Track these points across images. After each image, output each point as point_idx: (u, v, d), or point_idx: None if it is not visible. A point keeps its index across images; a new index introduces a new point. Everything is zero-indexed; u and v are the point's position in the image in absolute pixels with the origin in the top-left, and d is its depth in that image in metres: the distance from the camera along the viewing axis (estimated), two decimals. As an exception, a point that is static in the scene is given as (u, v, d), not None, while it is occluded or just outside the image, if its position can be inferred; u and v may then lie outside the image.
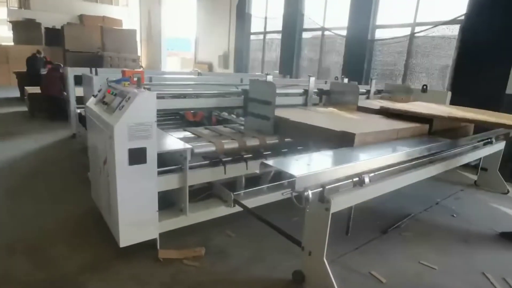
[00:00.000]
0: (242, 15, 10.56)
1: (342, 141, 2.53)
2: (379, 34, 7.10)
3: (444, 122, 3.36)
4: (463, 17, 5.60)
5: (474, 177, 4.69)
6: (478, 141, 3.79)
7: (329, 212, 2.02)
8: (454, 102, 4.86)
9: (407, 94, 5.03)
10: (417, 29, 6.37)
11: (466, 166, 4.67)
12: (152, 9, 15.98)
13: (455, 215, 3.62)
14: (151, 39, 16.27)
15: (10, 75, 11.59)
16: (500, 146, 4.20)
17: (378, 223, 3.28)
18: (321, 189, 1.99)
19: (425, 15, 6.28)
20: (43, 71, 8.76)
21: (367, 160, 2.21)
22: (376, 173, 2.35)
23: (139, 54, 15.14)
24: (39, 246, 2.64)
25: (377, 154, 2.35)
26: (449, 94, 5.04)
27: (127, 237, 2.42)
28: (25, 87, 8.00)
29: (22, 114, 7.72)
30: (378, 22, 7.04)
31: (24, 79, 9.30)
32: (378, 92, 5.35)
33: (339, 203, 2.08)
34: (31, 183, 3.90)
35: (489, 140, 3.93)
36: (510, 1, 4.95)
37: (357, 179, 2.18)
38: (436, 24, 6.04)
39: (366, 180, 2.20)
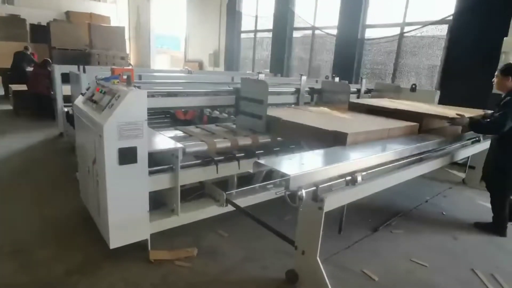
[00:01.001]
0: (232, 13, 10.50)
1: (334, 140, 2.53)
2: (369, 33, 7.17)
3: (433, 121, 3.41)
4: (451, 17, 5.69)
5: (462, 175, 4.77)
6: (467, 140, 3.86)
7: (323, 211, 2.01)
8: (442, 101, 4.94)
9: (397, 93, 5.08)
10: (406, 28, 6.45)
11: (454, 164, 4.75)
12: (141, 6, 15.75)
13: (444, 213, 3.68)
14: (140, 36, 16.05)
15: (-7, 72, 11.28)
16: (487, 144, 4.26)
17: (370, 221, 3.31)
18: (314, 188, 1.98)
19: (414, 15, 6.36)
20: (29, 68, 8.58)
21: (360, 159, 2.21)
22: (368, 172, 2.37)
23: (127, 51, 14.92)
24: (26, 248, 2.56)
25: (369, 153, 2.36)
26: (438, 93, 5.11)
27: (117, 238, 2.37)
28: (10, 85, 7.78)
29: (7, 112, 7.51)
30: (368, 22, 7.10)
31: (8, 77, 9.06)
32: (368, 91, 5.39)
33: (332, 202, 2.08)
34: (17, 183, 3.79)
35: (477, 138, 4.01)
36: (497, 1, 5.05)
37: (349, 178, 2.19)
38: (425, 24, 6.12)
39: (359, 179, 2.21)
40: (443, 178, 4.75)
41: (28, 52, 9.37)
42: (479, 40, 5.16)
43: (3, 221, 2.96)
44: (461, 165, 4.86)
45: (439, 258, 2.78)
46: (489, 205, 3.93)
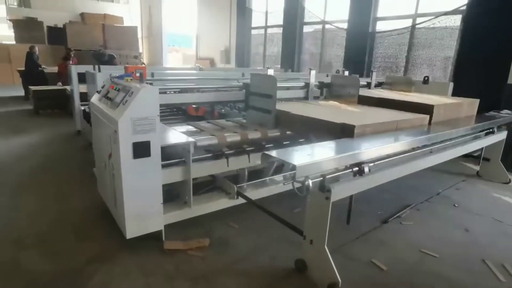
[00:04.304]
0: (242, 10, 10.54)
1: (342, 133, 2.56)
2: (380, 26, 7.09)
3: (444, 113, 3.38)
4: (464, 7, 5.58)
5: (477, 168, 4.70)
6: (480, 131, 3.81)
7: (330, 200, 2.06)
8: (456, 93, 4.87)
9: (408, 86, 5.03)
10: (418, 20, 6.35)
11: (468, 157, 4.69)
12: (152, 5, 15.98)
13: (456, 205, 3.65)
14: (152, 35, 16.30)
15: (13, 74, 11.72)
16: (502, 136, 4.21)
17: (380, 213, 3.32)
18: (321, 178, 2.03)
19: (427, 6, 6.25)
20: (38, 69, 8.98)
21: (367, 149, 2.24)
22: (376, 163, 2.39)
23: (140, 50, 15.20)
24: (47, 239, 2.71)
25: (376, 144, 2.38)
26: (451, 85, 5.04)
27: (133, 229, 2.48)
28: (29, 86, 8.09)
29: (27, 112, 7.81)
30: (379, 14, 7.02)
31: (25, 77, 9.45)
32: (379, 84, 5.36)
33: (339, 192, 2.12)
34: (38, 179, 3.97)
35: (490, 130, 3.95)
36: (512, -10, 4.93)
37: (357, 168, 2.22)
38: (437, 15, 6.02)
39: (366, 169, 2.24)
40: (457, 171, 4.70)
41: (35, 52, 9.57)
42: (494, 30, 5.05)
43: (26, 213, 3.12)
44: (476, 158, 4.78)
45: (449, 249, 2.78)
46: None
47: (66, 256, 2.50)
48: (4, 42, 13.89)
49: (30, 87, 7.95)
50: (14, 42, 13.45)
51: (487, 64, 5.16)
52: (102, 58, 10.58)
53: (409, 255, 2.68)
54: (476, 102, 3.94)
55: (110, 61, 10.24)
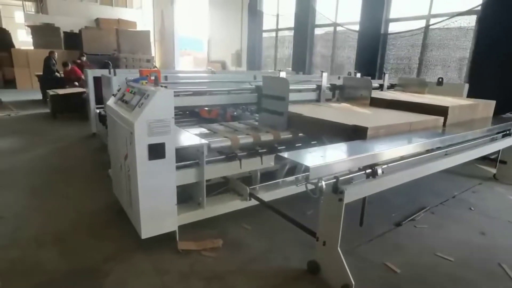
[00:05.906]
0: (254, 13, 10.62)
1: (355, 135, 2.56)
2: (393, 27, 7.03)
3: (459, 114, 3.34)
4: (479, 8, 5.49)
5: (493, 170, 4.60)
6: (497, 133, 3.73)
7: (343, 202, 2.06)
8: (471, 94, 4.79)
9: (422, 88, 4.97)
10: (432, 21, 6.28)
11: (485, 159, 4.59)
12: (165, 9, 16.23)
13: (472, 208, 3.58)
14: (165, 39, 16.54)
15: (32, 78, 12.09)
16: (519, 138, 4.11)
17: (393, 215, 3.29)
18: (334, 180, 2.03)
19: (441, 7, 6.18)
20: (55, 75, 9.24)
21: (380, 151, 2.23)
22: (389, 164, 2.38)
23: (153, 54, 15.44)
24: (65, 238, 2.79)
25: (390, 146, 2.37)
26: (466, 86, 4.95)
27: (148, 229, 2.53)
28: (47, 90, 8.33)
29: (45, 115, 8.04)
30: (391, 16, 6.97)
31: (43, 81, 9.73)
32: (392, 86, 5.31)
33: (352, 194, 2.12)
34: (55, 180, 4.07)
35: (507, 132, 3.86)
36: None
37: (370, 170, 2.22)
38: (451, 16, 5.94)
39: (379, 171, 2.24)
40: (473, 174, 4.61)
41: (53, 57, 9.84)
42: (510, 30, 4.96)
43: (44, 213, 3.22)
44: (493, 160, 4.68)
45: (465, 253, 2.73)
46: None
47: (83, 254, 2.57)
48: (22, 47, 14.34)
49: (48, 91, 8.18)
50: (32, 48, 13.87)
51: (503, 64, 5.07)
52: None
53: (423, 259, 2.64)
54: (492, 103, 3.87)
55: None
